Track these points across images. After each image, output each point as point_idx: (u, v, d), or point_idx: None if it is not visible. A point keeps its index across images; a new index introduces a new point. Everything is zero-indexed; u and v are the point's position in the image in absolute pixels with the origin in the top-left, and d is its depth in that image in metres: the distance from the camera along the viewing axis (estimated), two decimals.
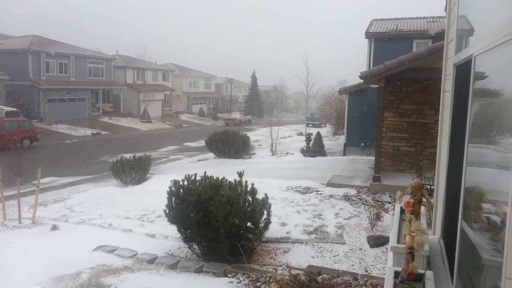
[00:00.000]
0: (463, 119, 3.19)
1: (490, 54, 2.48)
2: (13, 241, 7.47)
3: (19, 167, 8.79)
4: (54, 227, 8.16)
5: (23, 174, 9.14)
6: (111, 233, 7.87)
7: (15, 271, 5.83)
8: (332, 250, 6.54)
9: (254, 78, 67.44)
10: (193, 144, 26.80)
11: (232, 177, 6.67)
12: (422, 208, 4.13)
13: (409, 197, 4.03)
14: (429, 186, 7.31)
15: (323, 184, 10.96)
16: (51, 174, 14.00)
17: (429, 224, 4.98)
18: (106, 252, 6.70)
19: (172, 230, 6.92)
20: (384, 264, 5.73)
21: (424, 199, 4.05)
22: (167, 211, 6.50)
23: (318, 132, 20.68)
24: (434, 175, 5.63)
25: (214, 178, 6.63)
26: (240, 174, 6.59)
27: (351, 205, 8.94)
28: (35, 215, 8.70)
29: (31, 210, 9.05)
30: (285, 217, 8.05)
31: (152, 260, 6.31)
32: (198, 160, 18.54)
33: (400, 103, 11.19)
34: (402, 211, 4.17)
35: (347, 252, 6.43)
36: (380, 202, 8.97)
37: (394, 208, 7.16)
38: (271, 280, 5.15)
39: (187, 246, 6.63)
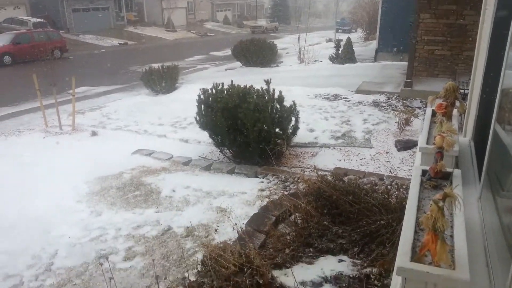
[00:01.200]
0: (506, 19, 2.98)
1: None
2: (57, 146, 8.00)
3: (53, 77, 8.99)
4: (94, 133, 8.62)
5: (58, 83, 9.42)
6: (147, 138, 8.27)
7: (64, 171, 6.35)
8: (359, 153, 6.70)
9: None
10: (219, 53, 26.40)
11: (259, 85, 6.68)
12: (454, 111, 4.08)
13: (442, 100, 3.97)
14: (462, 91, 7.12)
15: (352, 91, 10.83)
16: (84, 84, 14.35)
17: (460, 128, 4.95)
18: (144, 155, 7.12)
19: (204, 136, 7.20)
20: (410, 167, 5.87)
21: (457, 102, 3.99)
22: (197, 119, 6.70)
23: (349, 37, 19.80)
24: (469, 79, 5.44)
25: (242, 86, 6.66)
26: (267, 82, 6.58)
27: (380, 111, 8.89)
28: (75, 122, 9.16)
29: (69, 117, 9.51)
30: (313, 124, 8.16)
31: (187, 163, 6.70)
32: (226, 69, 18.42)
33: (438, 3, 10.41)
34: (433, 114, 4.14)
35: (373, 155, 6.58)
36: (410, 108, 8.88)
37: (424, 113, 7.10)
38: (299, 180, 5.43)
39: (218, 150, 6.93)
